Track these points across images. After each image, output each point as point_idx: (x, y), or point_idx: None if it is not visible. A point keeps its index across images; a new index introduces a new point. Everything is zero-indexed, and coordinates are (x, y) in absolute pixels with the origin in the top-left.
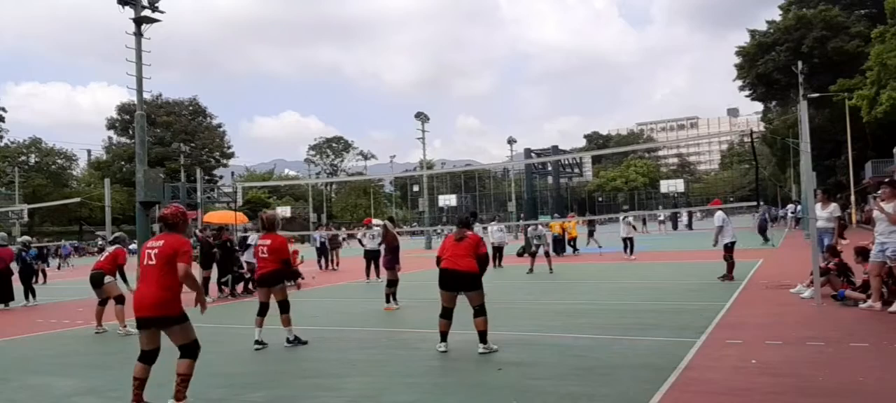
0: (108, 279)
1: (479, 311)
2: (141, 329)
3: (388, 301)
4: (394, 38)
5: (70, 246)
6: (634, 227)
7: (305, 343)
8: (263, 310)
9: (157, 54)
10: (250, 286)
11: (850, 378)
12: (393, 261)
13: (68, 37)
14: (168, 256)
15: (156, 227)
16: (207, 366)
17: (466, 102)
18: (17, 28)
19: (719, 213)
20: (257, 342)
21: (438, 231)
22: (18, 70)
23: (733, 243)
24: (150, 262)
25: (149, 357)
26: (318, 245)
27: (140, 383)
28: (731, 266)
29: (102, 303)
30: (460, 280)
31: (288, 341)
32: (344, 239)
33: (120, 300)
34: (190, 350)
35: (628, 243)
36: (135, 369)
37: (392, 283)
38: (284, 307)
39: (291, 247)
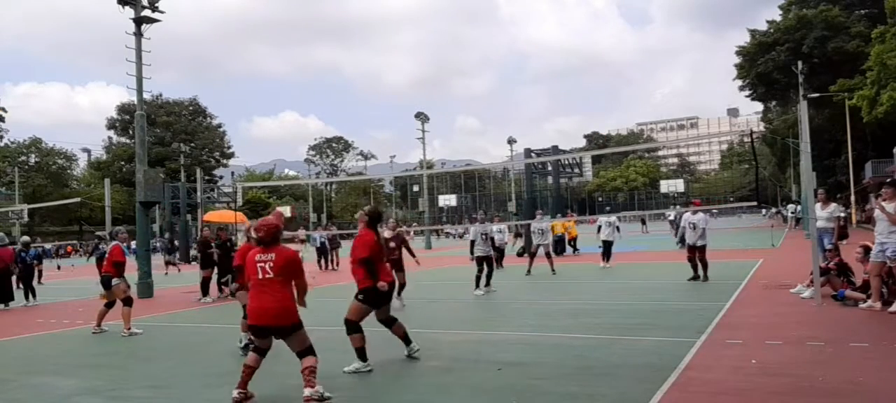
0: (115, 281)
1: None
2: (258, 337)
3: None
4: (394, 38)
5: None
6: (618, 228)
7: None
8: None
9: (157, 54)
10: None
11: (850, 378)
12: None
13: (66, 37)
14: (283, 269)
15: (156, 227)
16: (207, 366)
17: (466, 102)
18: (15, 28)
19: (703, 215)
20: (242, 344)
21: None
22: (17, 70)
23: (704, 246)
24: (267, 275)
25: (264, 352)
26: (318, 245)
27: (251, 371)
28: (705, 266)
29: (109, 305)
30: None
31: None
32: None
33: (128, 302)
34: (308, 351)
35: (607, 247)
36: (248, 358)
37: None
38: None
39: (291, 248)
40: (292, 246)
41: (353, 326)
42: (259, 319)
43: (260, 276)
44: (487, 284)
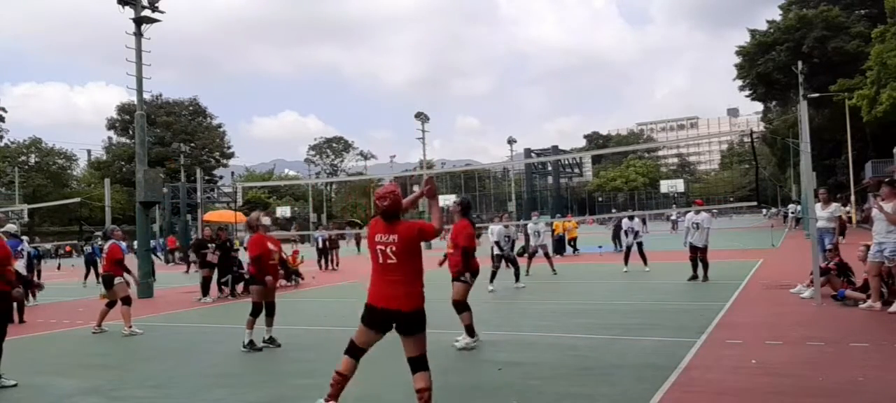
0: (117, 281)
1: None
2: (372, 326)
3: None
4: (393, 38)
5: (91, 246)
6: (636, 232)
7: (278, 345)
8: (256, 312)
9: (157, 54)
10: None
11: (850, 378)
12: None
13: (65, 37)
14: (410, 245)
15: (156, 227)
16: (207, 366)
17: (466, 102)
18: (14, 29)
19: (706, 215)
20: (265, 341)
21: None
22: (15, 71)
23: (706, 246)
24: (391, 260)
25: (362, 352)
26: (319, 245)
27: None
28: (706, 266)
29: (111, 305)
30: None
31: (264, 342)
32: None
33: (127, 301)
34: (420, 362)
35: (628, 250)
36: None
37: None
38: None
39: (292, 247)
40: (289, 247)
41: (462, 305)
42: (387, 303)
43: (381, 261)
44: (517, 280)
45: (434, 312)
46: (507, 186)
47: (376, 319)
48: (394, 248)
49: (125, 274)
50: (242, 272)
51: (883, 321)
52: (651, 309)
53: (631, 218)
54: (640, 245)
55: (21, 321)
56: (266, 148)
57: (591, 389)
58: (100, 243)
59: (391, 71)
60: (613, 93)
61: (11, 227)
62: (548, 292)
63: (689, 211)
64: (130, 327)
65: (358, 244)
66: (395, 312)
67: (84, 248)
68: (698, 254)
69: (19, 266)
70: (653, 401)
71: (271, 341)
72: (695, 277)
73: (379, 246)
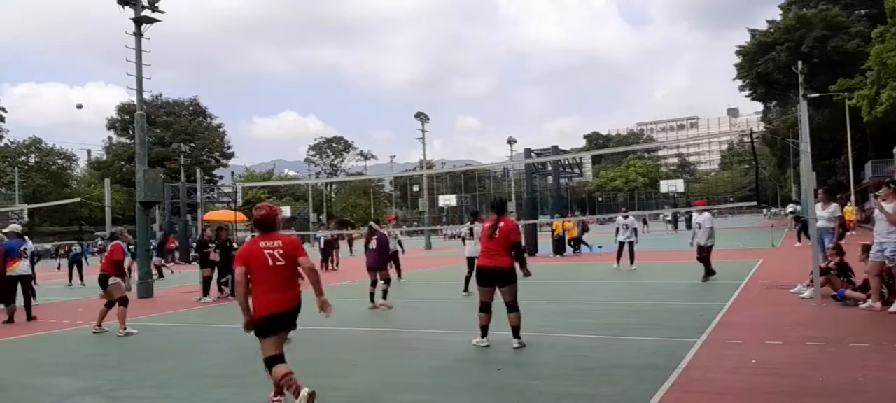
0: (112, 281)
1: (512, 307)
2: (272, 333)
3: (374, 299)
4: (393, 38)
5: (81, 245)
6: (635, 230)
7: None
8: None
9: (157, 54)
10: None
11: (850, 378)
12: (385, 261)
13: (64, 37)
14: (292, 256)
15: (155, 227)
16: (207, 366)
17: (466, 102)
18: (13, 29)
19: (708, 215)
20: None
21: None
22: (14, 71)
23: (711, 246)
24: (279, 263)
25: (282, 357)
26: (322, 245)
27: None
28: (708, 264)
29: (109, 305)
30: (495, 276)
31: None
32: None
33: (123, 302)
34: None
35: (620, 248)
36: (276, 372)
37: (387, 282)
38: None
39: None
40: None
41: (513, 305)
42: (275, 309)
43: (269, 264)
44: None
45: (434, 312)
46: (507, 186)
47: (276, 330)
48: (282, 253)
49: (124, 277)
50: None
51: (883, 321)
52: (651, 309)
53: (625, 216)
54: (631, 244)
55: (30, 317)
56: (266, 148)
57: (591, 389)
58: (100, 243)
59: (391, 71)
60: (613, 93)
61: (16, 227)
62: (548, 292)
63: (692, 212)
64: (125, 328)
65: (351, 245)
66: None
67: (73, 248)
68: (703, 253)
69: (24, 265)
70: (653, 401)
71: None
72: (712, 273)
73: (266, 252)
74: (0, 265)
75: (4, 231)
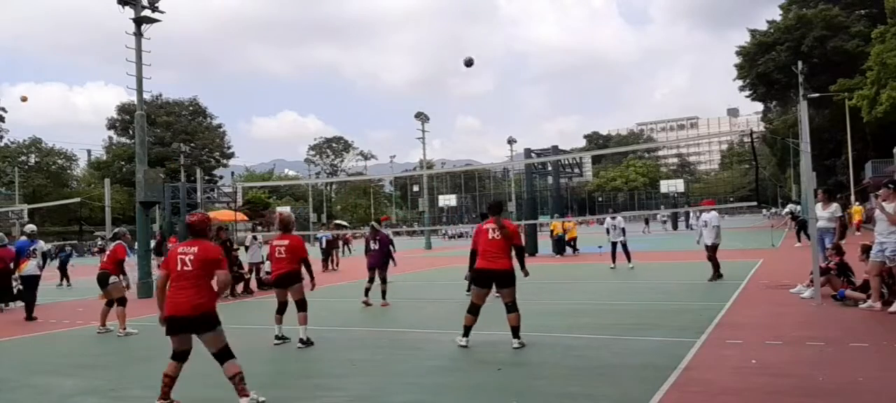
0: (112, 280)
1: (512, 307)
2: (172, 333)
3: (368, 294)
4: (393, 38)
5: (70, 247)
6: (624, 230)
7: (312, 344)
8: (282, 309)
9: (157, 54)
10: (251, 286)
11: (850, 378)
12: (386, 261)
13: (63, 37)
14: (204, 262)
15: (155, 227)
16: (208, 366)
17: (466, 102)
18: (13, 29)
19: (714, 213)
20: (278, 337)
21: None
22: (14, 71)
23: (717, 244)
24: (186, 267)
25: (182, 356)
26: (324, 245)
27: (170, 380)
28: (716, 265)
29: (109, 304)
30: (494, 277)
31: (300, 341)
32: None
33: (122, 302)
34: (224, 354)
35: (614, 248)
36: (168, 366)
37: (385, 282)
38: (302, 306)
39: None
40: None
41: (513, 305)
42: (173, 311)
43: (179, 267)
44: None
45: (434, 312)
46: (507, 186)
47: (177, 331)
48: (192, 259)
49: (121, 276)
50: (243, 272)
51: (883, 321)
52: (651, 309)
53: (613, 217)
54: (624, 244)
55: (30, 318)
56: (266, 148)
57: (591, 389)
58: (100, 243)
59: (391, 71)
60: (613, 93)
61: (31, 228)
62: (548, 292)
63: (697, 210)
64: (125, 328)
65: (347, 245)
66: (192, 320)
67: (64, 250)
68: (709, 253)
69: (32, 264)
70: (653, 401)
71: (304, 341)
72: (719, 276)
73: (179, 256)
74: (14, 264)
75: (25, 230)
